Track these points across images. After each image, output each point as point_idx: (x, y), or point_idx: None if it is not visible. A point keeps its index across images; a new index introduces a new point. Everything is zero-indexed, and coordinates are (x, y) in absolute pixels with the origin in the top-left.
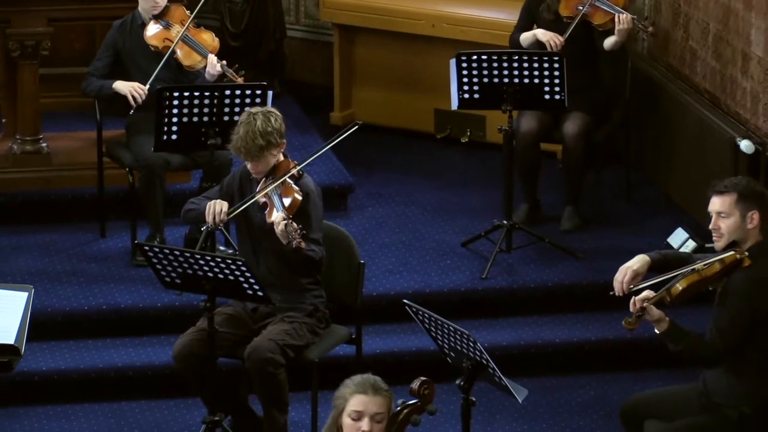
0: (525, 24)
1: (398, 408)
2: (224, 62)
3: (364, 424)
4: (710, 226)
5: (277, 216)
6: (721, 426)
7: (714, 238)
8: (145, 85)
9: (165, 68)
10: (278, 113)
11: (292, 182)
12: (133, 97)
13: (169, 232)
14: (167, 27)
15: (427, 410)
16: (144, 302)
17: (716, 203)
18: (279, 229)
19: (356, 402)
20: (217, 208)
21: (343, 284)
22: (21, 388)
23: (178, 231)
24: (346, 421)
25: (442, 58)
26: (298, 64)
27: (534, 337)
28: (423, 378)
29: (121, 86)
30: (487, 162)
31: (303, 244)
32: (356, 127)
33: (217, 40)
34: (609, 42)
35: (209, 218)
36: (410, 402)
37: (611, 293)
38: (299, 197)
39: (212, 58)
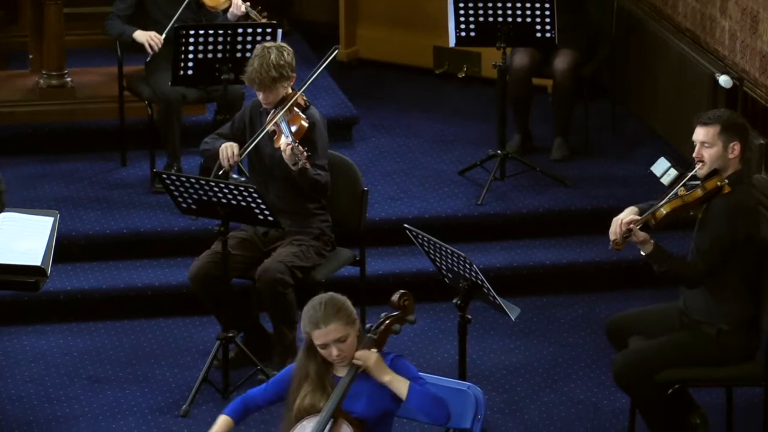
0: None
1: (381, 319)
2: (248, 3)
3: (333, 351)
4: (694, 155)
5: (284, 140)
6: (700, 341)
7: (697, 166)
8: (166, 25)
9: (185, 9)
10: (290, 48)
11: (299, 111)
12: (150, 46)
13: (186, 161)
14: None
15: (408, 320)
16: (162, 227)
17: (700, 133)
18: (287, 152)
19: (316, 337)
20: (228, 151)
21: (347, 210)
22: (47, 306)
23: (194, 160)
24: (320, 350)
25: None
26: (306, 3)
27: (526, 259)
28: (402, 291)
29: (139, 36)
30: (482, 96)
31: (308, 165)
32: (336, 51)
33: None
34: None
35: (224, 162)
36: (392, 314)
37: (609, 247)
38: (306, 124)
39: (237, 0)
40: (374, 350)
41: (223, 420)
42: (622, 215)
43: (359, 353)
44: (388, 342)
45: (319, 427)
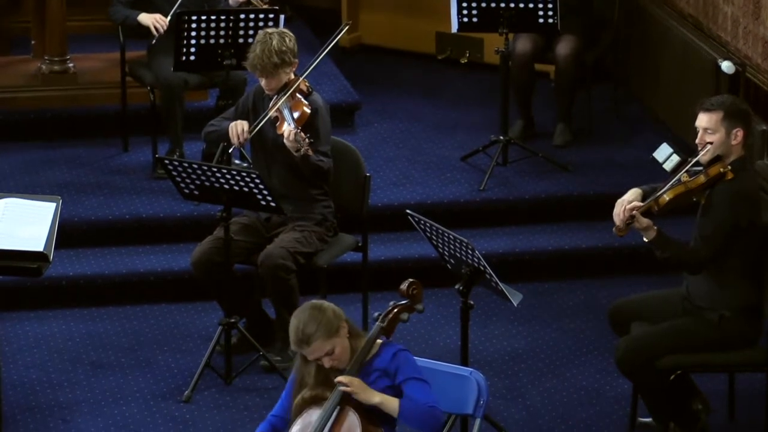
0: None
1: (389, 308)
2: None
3: (325, 362)
4: (697, 141)
5: (286, 127)
6: (702, 327)
7: (699, 152)
8: (169, 11)
9: None
10: (292, 34)
11: (301, 97)
12: (155, 28)
13: (188, 147)
14: None
15: (416, 309)
16: (164, 212)
17: (703, 120)
18: (289, 139)
19: (306, 354)
20: (239, 128)
21: (350, 195)
22: (49, 292)
23: (197, 146)
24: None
25: None
26: None
27: (528, 244)
28: (411, 279)
29: (144, 18)
30: (484, 82)
31: (311, 152)
32: (347, 27)
33: None
34: None
35: (234, 139)
36: (400, 302)
37: (614, 229)
38: (308, 110)
39: None
40: (355, 378)
41: None
42: (625, 197)
43: (346, 381)
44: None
45: (326, 413)
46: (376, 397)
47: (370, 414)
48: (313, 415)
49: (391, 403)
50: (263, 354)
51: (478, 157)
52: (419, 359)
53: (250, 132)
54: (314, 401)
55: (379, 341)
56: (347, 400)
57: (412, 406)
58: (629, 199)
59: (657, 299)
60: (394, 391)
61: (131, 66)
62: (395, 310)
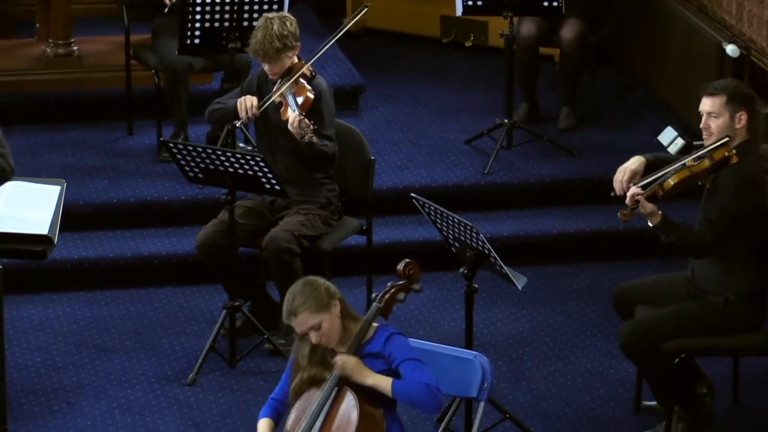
0: None
1: (386, 288)
2: None
3: (312, 337)
4: (701, 125)
5: (291, 113)
6: (707, 311)
7: (704, 137)
8: None
9: None
10: (293, 18)
11: (305, 82)
12: None
13: (192, 130)
14: None
15: (413, 289)
16: (169, 195)
17: (707, 104)
18: (293, 125)
19: (294, 326)
20: (248, 103)
21: (354, 179)
22: (54, 275)
23: (201, 129)
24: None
25: None
26: None
27: (532, 228)
28: (408, 260)
29: None
30: (489, 65)
31: (315, 139)
32: (366, 9)
33: None
34: None
35: (242, 113)
36: (398, 283)
37: (612, 194)
38: (311, 96)
39: None
40: (352, 357)
41: (264, 423)
42: (628, 163)
43: (338, 360)
44: (393, 311)
45: (324, 395)
46: (369, 379)
47: (368, 395)
48: (312, 397)
49: (384, 384)
50: (267, 337)
51: (483, 140)
52: (424, 342)
53: (259, 107)
54: (312, 382)
55: (375, 324)
56: (345, 381)
57: (405, 385)
58: (632, 167)
59: (662, 283)
60: (391, 374)
61: (136, 49)
62: (392, 291)
